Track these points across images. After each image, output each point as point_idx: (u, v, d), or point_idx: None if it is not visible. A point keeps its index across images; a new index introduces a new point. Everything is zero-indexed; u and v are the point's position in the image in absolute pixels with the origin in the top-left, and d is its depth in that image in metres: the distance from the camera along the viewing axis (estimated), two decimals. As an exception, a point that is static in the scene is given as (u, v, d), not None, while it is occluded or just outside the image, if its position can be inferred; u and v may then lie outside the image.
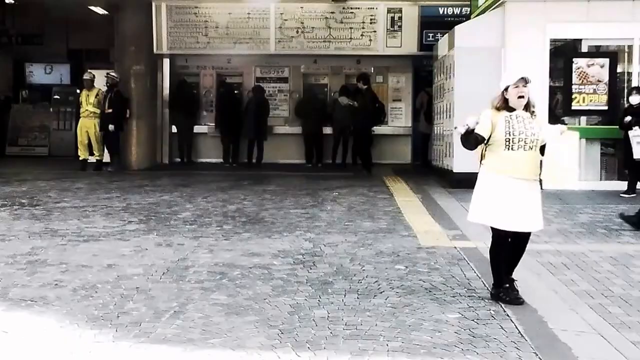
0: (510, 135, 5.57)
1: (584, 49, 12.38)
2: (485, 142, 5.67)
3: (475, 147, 5.76)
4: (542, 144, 5.63)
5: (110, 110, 14.88)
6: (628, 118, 11.03)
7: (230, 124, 16.25)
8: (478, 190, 5.77)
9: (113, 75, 15.16)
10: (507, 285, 5.66)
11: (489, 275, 5.90)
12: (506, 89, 5.62)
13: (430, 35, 16.09)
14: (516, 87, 5.58)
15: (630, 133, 10.98)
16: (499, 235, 5.73)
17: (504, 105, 5.65)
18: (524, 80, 5.58)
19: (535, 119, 5.66)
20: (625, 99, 11.65)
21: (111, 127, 14.87)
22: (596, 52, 12.34)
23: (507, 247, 5.74)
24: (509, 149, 5.58)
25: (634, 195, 11.07)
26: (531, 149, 5.58)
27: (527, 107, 5.65)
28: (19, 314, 5.30)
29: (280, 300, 5.64)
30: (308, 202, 10.88)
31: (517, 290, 5.67)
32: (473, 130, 5.70)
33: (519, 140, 5.57)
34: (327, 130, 16.41)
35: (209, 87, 17.51)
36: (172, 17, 16.61)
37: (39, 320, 5.16)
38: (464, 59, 12.10)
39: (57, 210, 9.93)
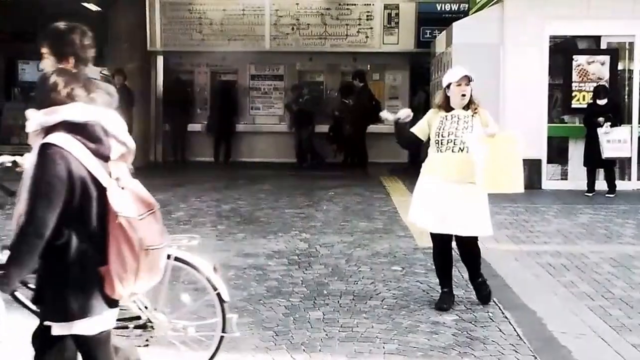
0: (439, 136, 5.48)
1: (584, 45, 12.37)
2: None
3: (412, 147, 5.68)
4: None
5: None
6: (601, 119, 10.95)
7: (220, 122, 16.33)
8: (415, 191, 5.72)
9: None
10: (446, 289, 5.64)
11: (486, 276, 5.88)
12: (448, 87, 5.52)
13: (428, 32, 16.06)
14: (458, 85, 5.46)
15: (600, 131, 10.96)
16: (434, 239, 5.70)
17: (445, 104, 5.56)
18: (467, 79, 5.46)
19: (478, 117, 5.48)
20: (596, 97, 11.33)
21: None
22: (597, 49, 12.33)
23: (445, 251, 5.68)
24: (438, 150, 5.50)
25: (614, 195, 11.02)
26: (461, 150, 5.39)
27: (469, 105, 5.52)
28: None
29: (275, 302, 5.64)
30: (303, 201, 10.86)
31: (488, 291, 5.66)
32: (406, 123, 5.68)
33: (447, 142, 5.43)
34: (325, 128, 16.34)
35: (203, 84, 17.48)
36: (165, 13, 16.58)
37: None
38: (462, 56, 12.04)
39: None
